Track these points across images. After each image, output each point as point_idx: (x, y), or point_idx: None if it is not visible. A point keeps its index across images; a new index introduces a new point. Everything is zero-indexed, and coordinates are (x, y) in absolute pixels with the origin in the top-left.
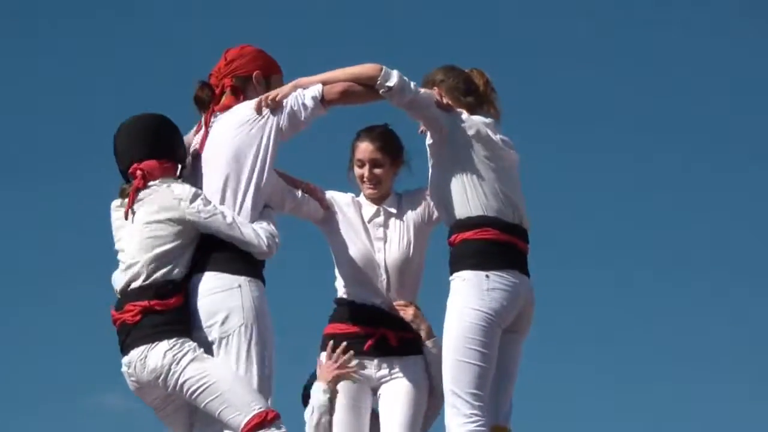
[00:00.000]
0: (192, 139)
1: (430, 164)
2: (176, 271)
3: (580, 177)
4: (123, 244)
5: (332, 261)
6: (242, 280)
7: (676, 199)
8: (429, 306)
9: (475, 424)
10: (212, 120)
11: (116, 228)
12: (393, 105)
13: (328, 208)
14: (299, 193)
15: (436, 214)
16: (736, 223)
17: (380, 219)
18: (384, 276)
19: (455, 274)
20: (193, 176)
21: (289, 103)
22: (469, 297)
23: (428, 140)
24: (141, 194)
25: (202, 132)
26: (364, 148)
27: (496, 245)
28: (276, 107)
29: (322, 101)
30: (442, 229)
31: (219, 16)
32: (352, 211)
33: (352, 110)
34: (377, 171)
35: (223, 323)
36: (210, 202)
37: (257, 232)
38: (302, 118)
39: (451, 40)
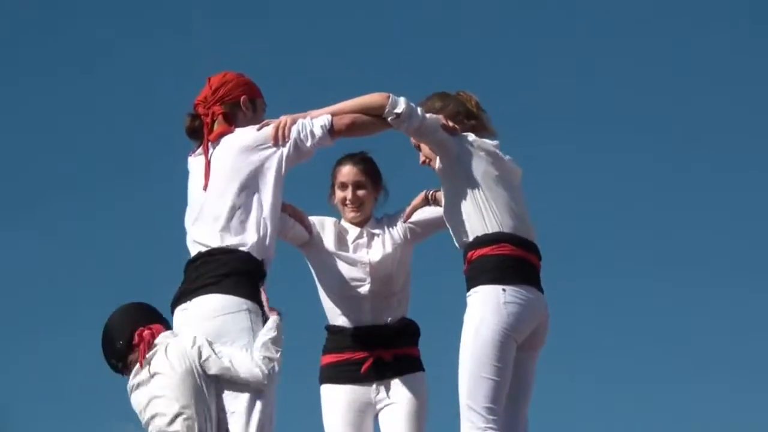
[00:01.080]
0: (192, 167)
1: (443, 189)
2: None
3: (581, 176)
4: (153, 407)
5: (316, 287)
6: (250, 304)
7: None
8: (438, 325)
9: None
10: (210, 150)
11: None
12: (401, 131)
13: (311, 232)
14: (286, 216)
15: (419, 232)
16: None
17: (363, 240)
18: (371, 296)
19: (472, 290)
20: (198, 209)
21: (296, 130)
22: (486, 311)
23: (437, 165)
24: (148, 357)
25: (203, 163)
26: (347, 171)
27: (512, 260)
28: (282, 141)
29: (331, 131)
30: (450, 247)
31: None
32: (335, 234)
33: None
34: (360, 193)
35: (232, 343)
36: (209, 344)
37: (250, 368)
38: (308, 146)
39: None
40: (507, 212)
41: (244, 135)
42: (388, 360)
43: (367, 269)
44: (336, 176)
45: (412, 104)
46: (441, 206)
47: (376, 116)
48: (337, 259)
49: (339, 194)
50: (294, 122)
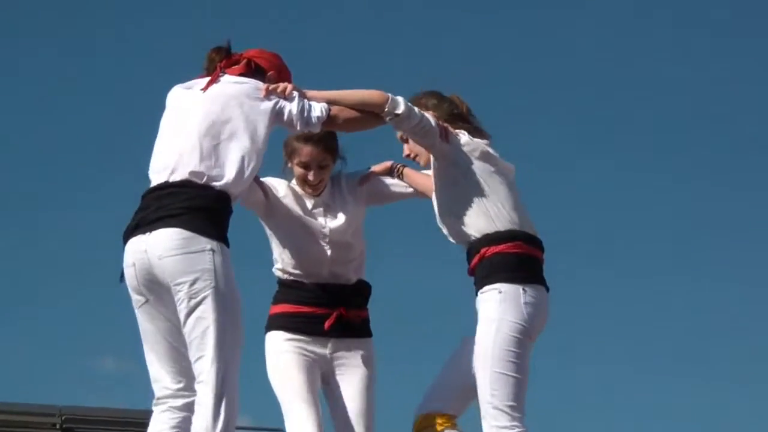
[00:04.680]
0: (179, 95)
1: (438, 188)
2: None
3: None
4: None
5: (270, 247)
6: (214, 244)
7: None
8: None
9: None
10: (220, 74)
11: None
12: (397, 130)
13: (267, 195)
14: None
15: (373, 201)
16: None
17: (320, 209)
18: (330, 262)
19: (489, 287)
20: (181, 130)
21: (297, 105)
22: (506, 309)
23: (433, 162)
24: None
25: (196, 95)
26: (309, 152)
27: (527, 259)
28: (281, 97)
29: (325, 122)
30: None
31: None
32: (291, 199)
33: None
34: (323, 173)
35: (193, 284)
36: None
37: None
38: (298, 127)
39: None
40: (511, 208)
41: (253, 83)
42: (349, 319)
43: (327, 239)
44: (294, 153)
45: (410, 104)
46: (405, 182)
47: (371, 114)
48: (295, 226)
49: (298, 171)
50: (294, 90)
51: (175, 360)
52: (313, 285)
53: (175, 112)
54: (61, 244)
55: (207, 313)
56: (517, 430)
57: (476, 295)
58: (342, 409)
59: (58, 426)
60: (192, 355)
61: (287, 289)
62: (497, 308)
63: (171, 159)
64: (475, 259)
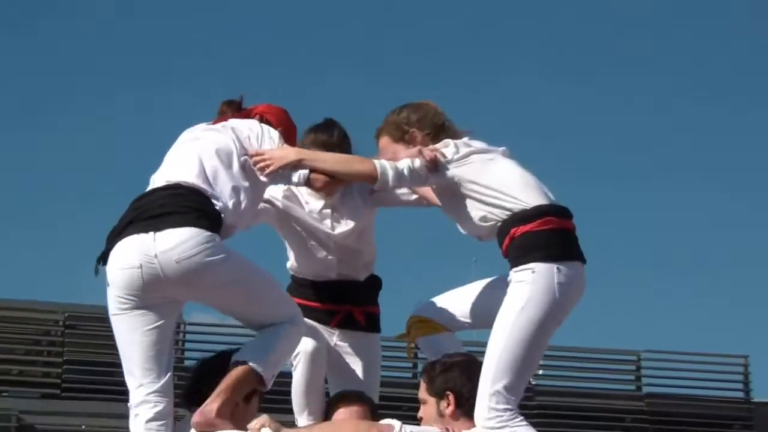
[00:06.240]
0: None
1: (444, 206)
2: None
3: None
4: None
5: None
6: (216, 236)
7: None
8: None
9: (512, 420)
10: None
11: None
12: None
13: (273, 205)
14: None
15: (383, 204)
16: None
17: (328, 211)
18: (337, 264)
19: (523, 266)
20: (188, 155)
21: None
22: (536, 290)
23: (433, 189)
24: None
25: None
26: None
27: (560, 235)
28: (263, 169)
29: (305, 184)
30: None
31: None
32: (296, 204)
33: (301, 111)
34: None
35: (219, 275)
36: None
37: None
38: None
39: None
40: (526, 184)
41: (257, 130)
42: (359, 318)
43: (332, 243)
44: None
45: (398, 168)
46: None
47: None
48: (301, 232)
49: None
50: (276, 162)
51: (158, 361)
52: (322, 284)
53: (181, 143)
54: (69, 153)
55: (243, 289)
56: (509, 414)
57: (510, 276)
58: (345, 378)
59: (61, 323)
60: (256, 323)
61: (298, 285)
62: (528, 288)
63: (174, 175)
64: (506, 241)
